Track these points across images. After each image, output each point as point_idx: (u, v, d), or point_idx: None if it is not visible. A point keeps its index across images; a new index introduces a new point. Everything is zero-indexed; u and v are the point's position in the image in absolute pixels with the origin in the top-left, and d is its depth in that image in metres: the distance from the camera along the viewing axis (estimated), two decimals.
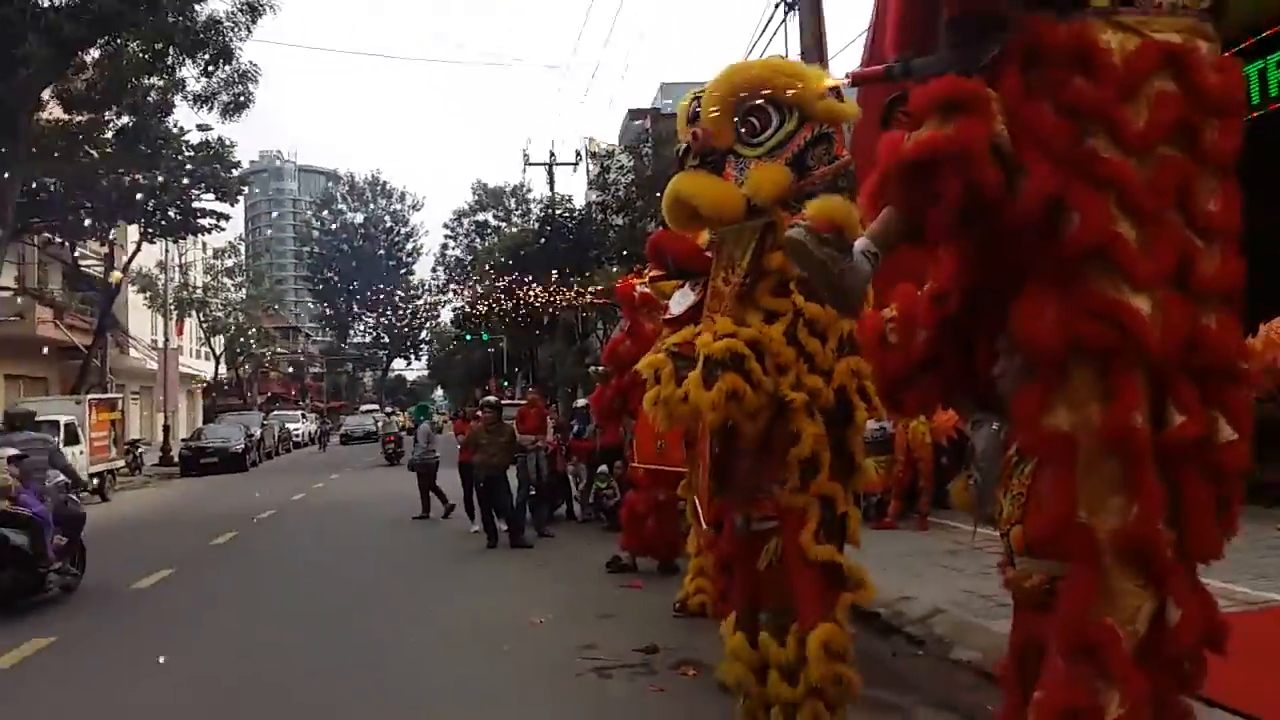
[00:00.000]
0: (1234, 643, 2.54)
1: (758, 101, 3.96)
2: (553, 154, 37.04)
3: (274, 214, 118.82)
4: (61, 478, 8.76)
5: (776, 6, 13.91)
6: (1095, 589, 2.32)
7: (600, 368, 9.96)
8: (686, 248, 5.62)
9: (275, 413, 44.40)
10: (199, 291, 42.74)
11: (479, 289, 36.55)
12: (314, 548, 12.06)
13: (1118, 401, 2.31)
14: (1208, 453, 2.39)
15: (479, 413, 12.06)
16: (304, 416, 48.49)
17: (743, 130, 3.99)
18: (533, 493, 11.80)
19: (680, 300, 5.92)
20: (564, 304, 26.18)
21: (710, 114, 4.00)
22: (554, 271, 27.15)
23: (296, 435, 41.88)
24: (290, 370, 70.18)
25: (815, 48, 11.93)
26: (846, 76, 3.53)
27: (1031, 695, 2.51)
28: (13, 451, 8.18)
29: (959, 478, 3.13)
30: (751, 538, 4.15)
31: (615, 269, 23.40)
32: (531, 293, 26.95)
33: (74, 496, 9.03)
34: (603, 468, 11.75)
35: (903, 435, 9.81)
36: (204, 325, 45.42)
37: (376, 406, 60.58)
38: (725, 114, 3.99)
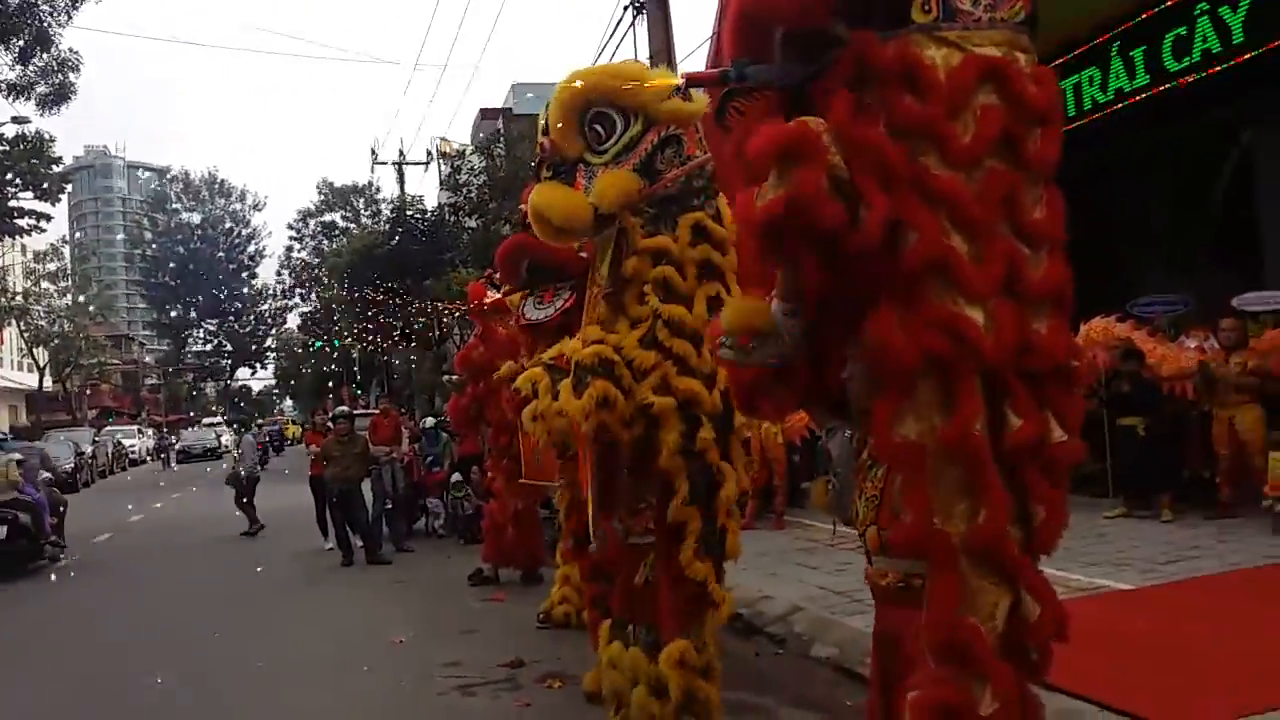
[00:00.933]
0: (1072, 628, 2.69)
1: (601, 108, 3.94)
2: (402, 153, 36.14)
3: (102, 214, 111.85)
4: (48, 475, 12.51)
5: (625, 9, 14.01)
6: (957, 591, 2.42)
7: (455, 376, 9.77)
8: (563, 250, 5.56)
9: (109, 428, 41.71)
10: (18, 298, 39.75)
11: (326, 296, 35.37)
12: (156, 571, 11.37)
13: (957, 411, 2.40)
14: (1044, 451, 2.51)
15: (330, 424, 11.65)
16: (140, 431, 45.62)
17: (589, 138, 3.97)
18: (389, 506, 11.49)
19: (538, 307, 5.87)
20: (417, 313, 25.63)
21: (555, 124, 3.97)
22: (405, 276, 26.54)
23: (133, 452, 39.42)
24: (123, 382, 66.11)
25: (664, 51, 12.10)
26: (682, 78, 3.55)
27: (891, 683, 2.61)
28: (18, 456, 11.65)
29: (818, 480, 3.19)
30: (629, 551, 4.13)
31: (469, 271, 23.05)
32: (383, 298, 26.21)
33: (55, 489, 12.83)
34: (456, 476, 11.54)
35: (757, 436, 10.03)
36: (25, 335, 42.25)
37: (220, 419, 57.71)
38: (570, 123, 3.95)
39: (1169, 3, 9.34)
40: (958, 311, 2.38)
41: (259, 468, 14.49)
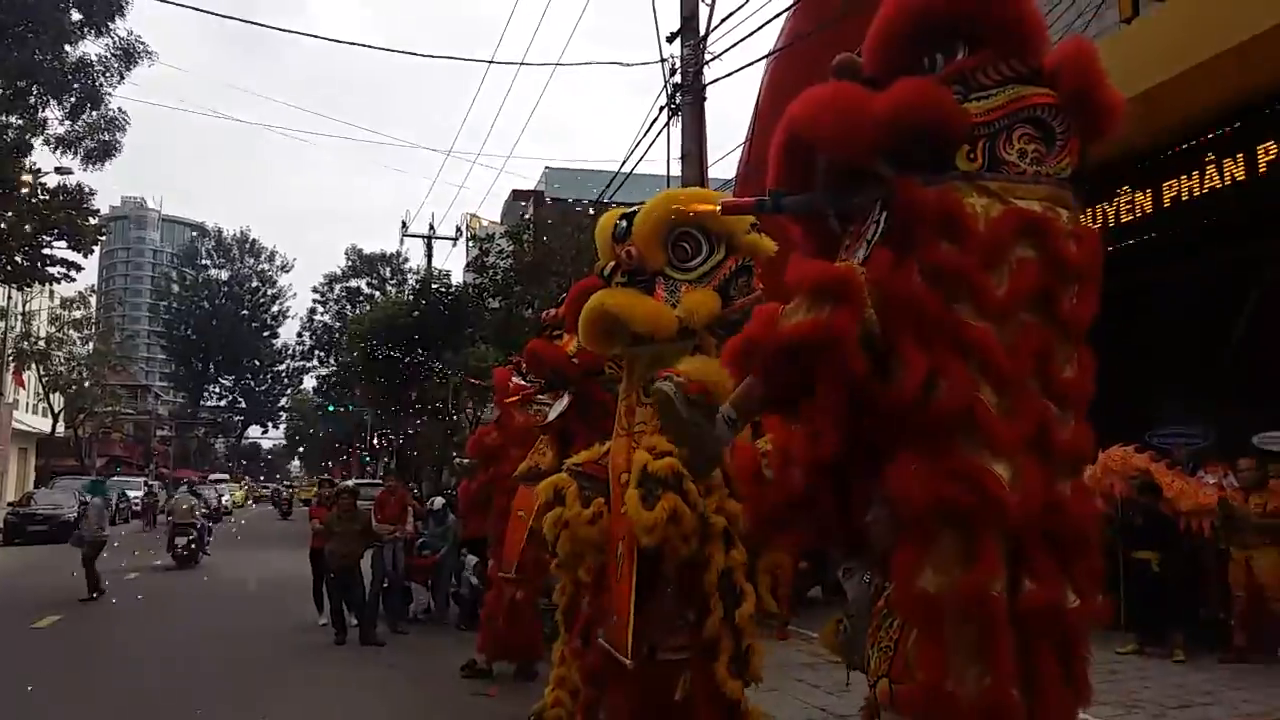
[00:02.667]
0: None
1: (689, 228, 4.06)
2: (432, 226, 36.67)
3: (132, 264, 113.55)
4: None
5: (662, 109, 14.34)
6: None
7: (466, 460, 9.72)
8: (557, 355, 5.66)
9: (114, 478, 41.52)
10: (40, 343, 40.07)
11: (346, 360, 35.53)
12: (149, 637, 11.17)
13: (977, 566, 2.33)
14: (1058, 619, 2.44)
15: (336, 498, 11.56)
16: (146, 484, 45.24)
17: (674, 254, 4.10)
18: (386, 585, 11.34)
19: (557, 408, 5.91)
20: (436, 379, 25.66)
21: (643, 235, 4.08)
22: (425, 347, 26.67)
23: (136, 504, 38.94)
24: (134, 432, 66.24)
25: (695, 152, 12.32)
26: (720, 207, 3.63)
27: None
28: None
29: (829, 622, 3.12)
30: (659, 667, 4.05)
31: (488, 349, 23.14)
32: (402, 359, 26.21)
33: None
34: (472, 558, 11.39)
35: None
36: (44, 379, 42.48)
37: (227, 476, 57.53)
38: (658, 237, 4.10)
39: (1210, 135, 9.45)
40: (982, 465, 2.34)
41: (104, 532, 14.62)
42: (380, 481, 19.27)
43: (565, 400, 5.56)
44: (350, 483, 13.45)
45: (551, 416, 5.68)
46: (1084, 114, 2.57)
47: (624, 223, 4.21)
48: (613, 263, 4.16)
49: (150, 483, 42.24)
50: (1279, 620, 7.65)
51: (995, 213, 2.44)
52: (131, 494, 38.01)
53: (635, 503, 3.71)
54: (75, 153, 20.21)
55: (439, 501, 12.52)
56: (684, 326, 4.00)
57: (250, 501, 53.49)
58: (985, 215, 2.44)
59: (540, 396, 7.97)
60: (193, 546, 18.93)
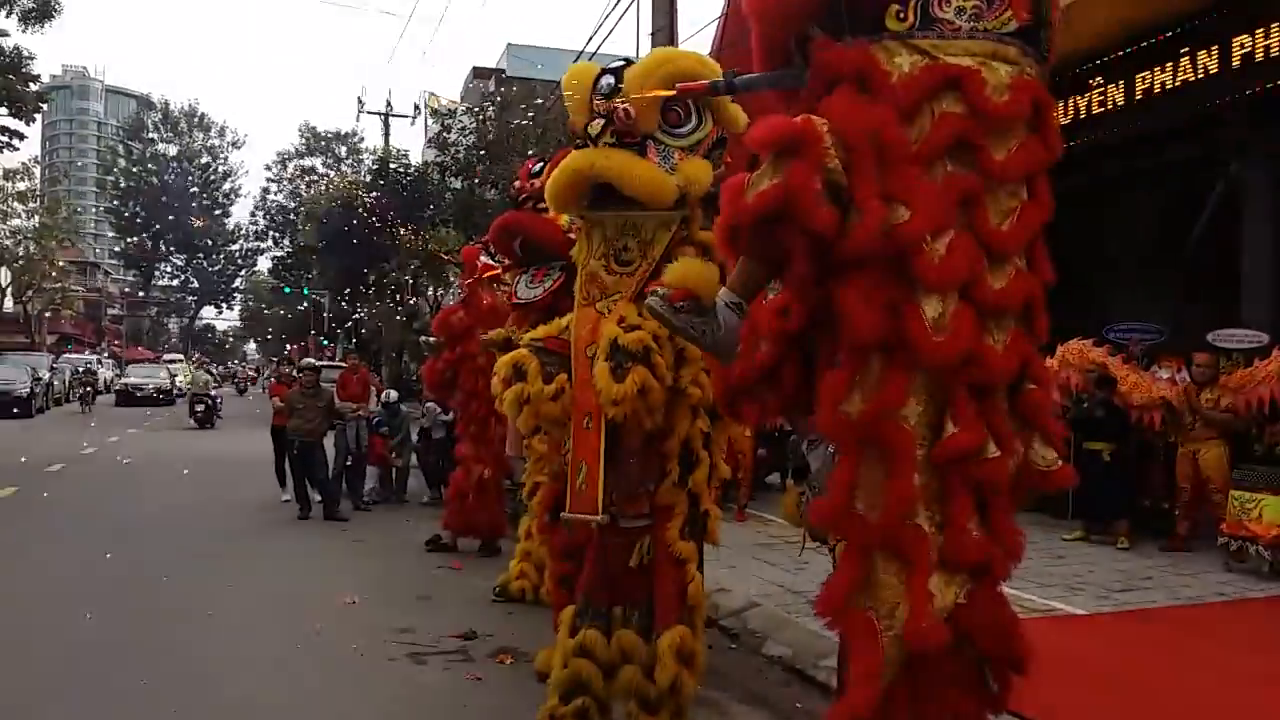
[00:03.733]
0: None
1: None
2: (390, 103, 35.70)
3: (75, 136, 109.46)
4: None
5: None
6: (858, 576, 2.41)
7: (432, 338, 9.63)
8: (550, 230, 5.49)
9: (67, 355, 40.87)
10: None
11: (301, 241, 34.87)
12: (104, 510, 11.17)
13: (879, 394, 2.39)
14: (974, 466, 2.49)
15: (296, 374, 11.48)
16: (100, 362, 44.49)
17: (665, 119, 3.97)
18: (350, 463, 11.37)
19: (529, 286, 5.79)
20: (399, 257, 25.26)
21: (640, 96, 3.90)
22: (384, 229, 26.17)
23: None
24: (85, 310, 64.95)
25: (667, 29, 11.96)
26: (674, 88, 3.50)
27: None
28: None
29: (790, 490, 3.17)
30: (620, 534, 4.10)
31: (450, 231, 22.78)
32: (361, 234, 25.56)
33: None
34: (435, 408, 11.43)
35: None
36: None
37: (181, 357, 56.83)
38: (654, 99, 3.93)
39: (1160, 37, 9.38)
40: (908, 300, 2.38)
41: None
42: (340, 364, 19.10)
43: (557, 275, 5.44)
44: (310, 361, 13.31)
45: (538, 294, 5.54)
46: None
47: (610, 79, 4.02)
48: (601, 121, 3.97)
49: (91, 359, 40.58)
50: (1220, 511, 7.94)
51: (917, 69, 2.43)
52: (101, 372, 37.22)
53: (605, 375, 3.69)
54: (10, 11, 19.13)
55: (393, 395, 12.44)
56: (680, 195, 3.90)
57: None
58: (911, 73, 2.44)
59: (505, 275, 7.87)
60: (208, 412, 23.29)
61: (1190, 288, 10.91)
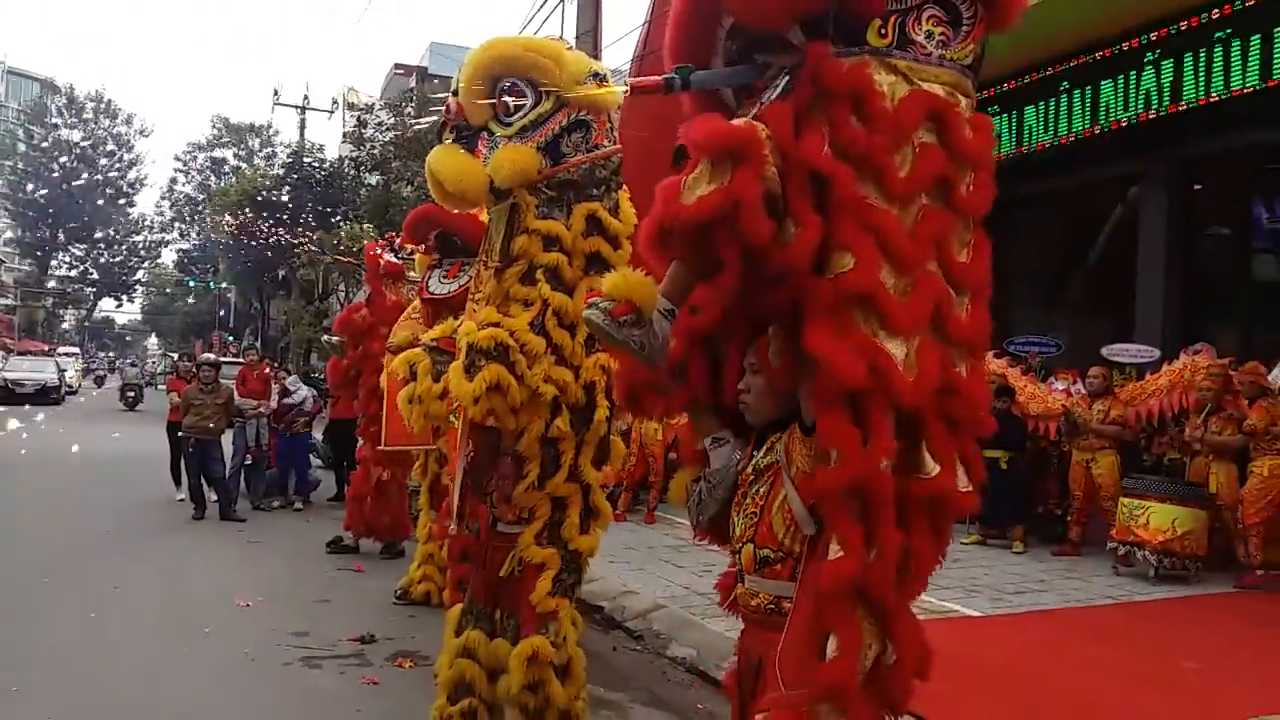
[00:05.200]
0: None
1: (514, 79, 3.81)
2: (307, 97, 35.07)
3: None
4: None
5: None
6: (858, 636, 2.37)
7: (335, 338, 9.41)
8: (470, 224, 5.38)
9: None
10: None
11: (209, 233, 33.88)
12: None
13: (871, 444, 2.35)
14: (946, 501, 2.49)
15: (195, 370, 11.09)
16: None
17: (498, 107, 3.84)
18: (249, 462, 11.03)
19: (442, 281, 5.69)
20: (304, 259, 24.70)
21: (465, 87, 3.82)
22: (295, 225, 25.57)
23: None
24: None
25: (592, 31, 11.95)
26: (626, 85, 3.38)
27: (748, 702, 2.58)
28: None
29: (680, 472, 3.13)
30: (500, 538, 4.01)
31: (364, 227, 22.37)
32: (270, 233, 24.96)
33: None
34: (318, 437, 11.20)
35: (636, 430, 10.02)
36: None
37: (77, 350, 54.54)
38: (480, 89, 3.81)
39: (1074, 62, 9.74)
40: (877, 345, 2.34)
41: None
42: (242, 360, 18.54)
43: (470, 274, 5.33)
44: (210, 356, 12.89)
45: (453, 290, 5.44)
46: (991, 2, 2.56)
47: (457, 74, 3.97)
48: (439, 119, 3.92)
49: None
50: (1111, 517, 8.22)
51: (902, 93, 2.42)
52: None
53: (457, 374, 3.64)
54: None
55: (300, 388, 12.06)
56: (494, 188, 3.78)
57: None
58: (893, 95, 2.41)
59: (410, 274, 7.72)
60: (134, 397, 29.09)
61: (1088, 304, 11.33)
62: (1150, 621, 6.65)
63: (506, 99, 3.81)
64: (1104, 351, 9.36)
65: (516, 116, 3.81)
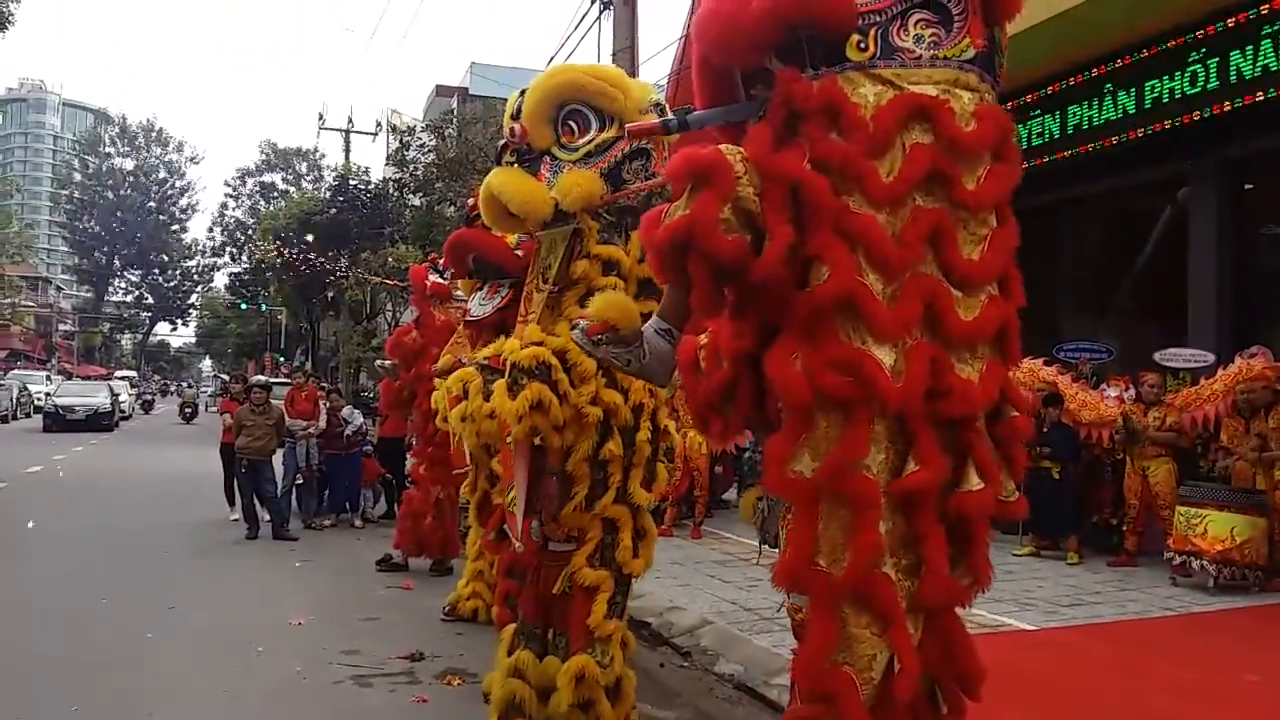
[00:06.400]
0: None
1: (578, 106, 3.90)
2: (351, 120, 35.61)
3: (30, 150, 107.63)
4: None
5: (593, 3, 13.88)
6: (833, 635, 2.37)
7: (387, 362, 9.54)
8: (498, 247, 5.47)
9: (15, 372, 39.93)
10: None
11: (259, 257, 34.50)
12: (50, 530, 10.88)
13: (839, 448, 2.36)
14: (950, 500, 2.46)
15: (247, 392, 11.30)
16: (49, 378, 43.33)
17: (561, 133, 3.94)
18: (300, 481, 11.19)
19: (481, 303, 5.77)
20: (353, 280, 25.07)
21: (530, 112, 3.90)
22: (343, 246, 25.94)
23: (39, 399, 36.83)
24: (36, 326, 63.68)
25: (628, 49, 12.01)
26: (627, 130, 3.43)
27: None
28: None
29: (749, 493, 3.16)
30: (552, 558, 4.04)
31: (408, 248, 22.65)
32: (318, 259, 25.39)
33: None
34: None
35: (681, 445, 10.00)
36: None
37: (134, 373, 55.78)
38: (546, 113, 3.93)
39: (1119, 63, 9.59)
40: (863, 351, 2.34)
41: None
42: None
43: (506, 292, 5.40)
44: (261, 378, 13.13)
45: (488, 310, 5.51)
46: None
47: (521, 99, 4.03)
48: (501, 141, 4.00)
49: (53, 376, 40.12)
50: (1167, 526, 8.04)
51: (885, 100, 2.42)
52: (34, 389, 36.05)
53: (501, 393, 3.70)
54: None
55: (357, 416, 12.24)
56: (559, 211, 3.86)
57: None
58: (876, 103, 2.42)
59: (457, 292, 7.81)
60: (191, 412, 36.08)
61: (1139, 308, 11.10)
62: (1210, 633, 6.48)
63: (571, 123, 3.93)
64: (1157, 356, 9.16)
65: (581, 141, 3.93)
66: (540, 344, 3.76)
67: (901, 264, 2.37)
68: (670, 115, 2.77)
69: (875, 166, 2.37)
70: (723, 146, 2.40)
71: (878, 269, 2.35)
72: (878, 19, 2.44)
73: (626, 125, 3.34)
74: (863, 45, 2.44)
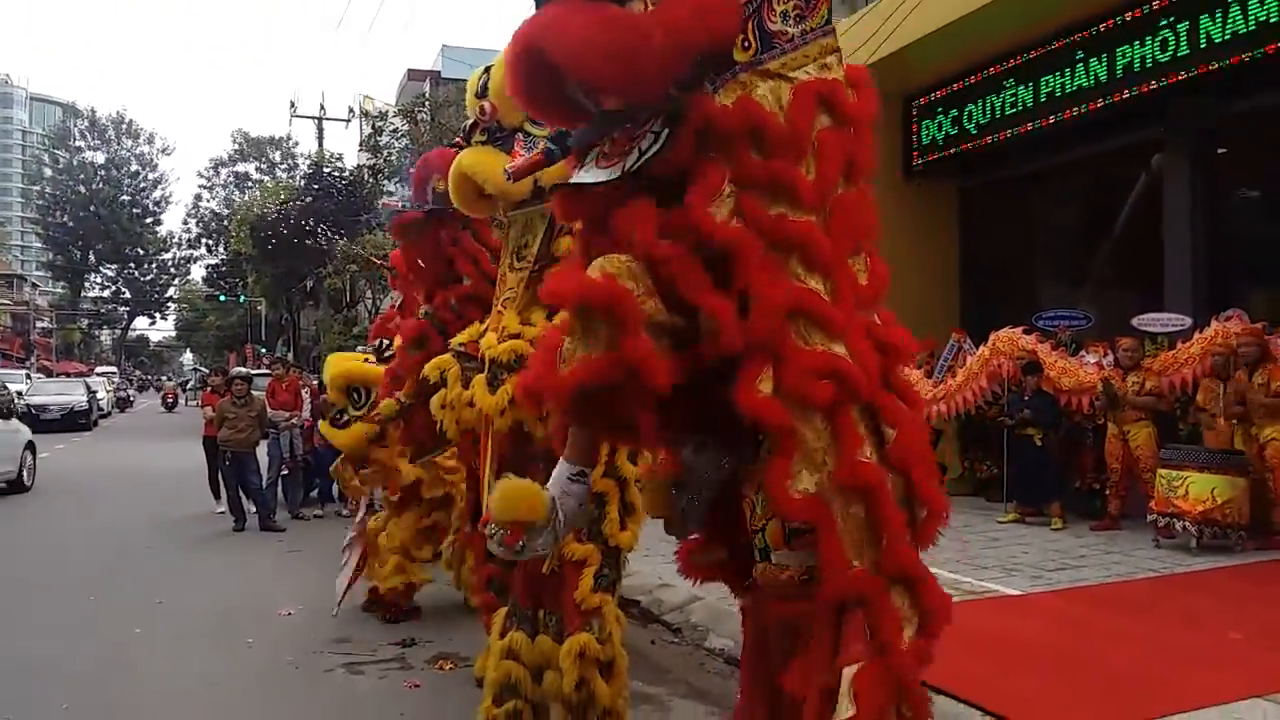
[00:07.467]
0: (957, 632, 2.68)
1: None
2: (323, 107, 35.28)
3: None
4: None
5: None
6: (897, 619, 2.35)
7: (380, 342, 9.44)
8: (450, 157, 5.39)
9: None
10: None
11: (235, 248, 34.24)
12: (31, 524, 10.85)
13: (843, 447, 2.34)
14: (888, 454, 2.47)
15: (228, 384, 11.22)
16: (29, 376, 42.80)
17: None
18: (285, 472, 11.16)
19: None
20: (332, 269, 24.94)
21: (498, 89, 3.83)
22: (319, 235, 25.77)
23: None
24: (12, 324, 63.03)
25: None
26: (507, 171, 3.10)
27: (770, 677, 2.54)
28: None
29: (648, 485, 3.05)
30: None
31: (385, 235, 22.52)
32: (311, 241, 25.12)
33: None
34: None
35: None
36: None
37: (114, 369, 55.31)
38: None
39: (1090, 30, 9.61)
40: (832, 353, 2.32)
41: None
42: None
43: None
44: (241, 370, 13.05)
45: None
46: None
47: (486, 77, 3.96)
48: (470, 120, 3.92)
49: (32, 374, 38.63)
50: (1149, 489, 8.12)
51: (786, 95, 2.37)
52: (13, 387, 35.32)
53: (480, 388, 3.68)
54: None
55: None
56: (537, 186, 3.75)
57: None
58: (779, 103, 2.36)
59: None
60: (172, 401, 39.27)
61: (1116, 275, 11.18)
62: (1194, 593, 6.57)
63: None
64: (1134, 322, 9.23)
65: None
66: (517, 336, 3.72)
67: (837, 259, 2.35)
68: (548, 143, 2.58)
69: (801, 172, 2.33)
70: (605, 268, 2.23)
71: (818, 270, 2.32)
72: (750, 8, 2.38)
73: (507, 167, 3.03)
74: (745, 44, 2.37)
